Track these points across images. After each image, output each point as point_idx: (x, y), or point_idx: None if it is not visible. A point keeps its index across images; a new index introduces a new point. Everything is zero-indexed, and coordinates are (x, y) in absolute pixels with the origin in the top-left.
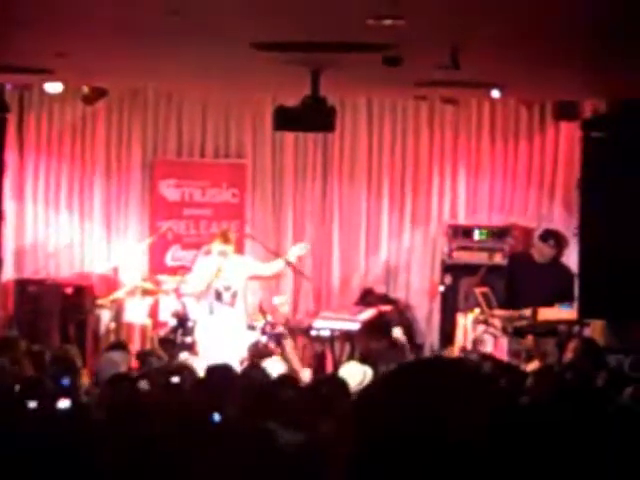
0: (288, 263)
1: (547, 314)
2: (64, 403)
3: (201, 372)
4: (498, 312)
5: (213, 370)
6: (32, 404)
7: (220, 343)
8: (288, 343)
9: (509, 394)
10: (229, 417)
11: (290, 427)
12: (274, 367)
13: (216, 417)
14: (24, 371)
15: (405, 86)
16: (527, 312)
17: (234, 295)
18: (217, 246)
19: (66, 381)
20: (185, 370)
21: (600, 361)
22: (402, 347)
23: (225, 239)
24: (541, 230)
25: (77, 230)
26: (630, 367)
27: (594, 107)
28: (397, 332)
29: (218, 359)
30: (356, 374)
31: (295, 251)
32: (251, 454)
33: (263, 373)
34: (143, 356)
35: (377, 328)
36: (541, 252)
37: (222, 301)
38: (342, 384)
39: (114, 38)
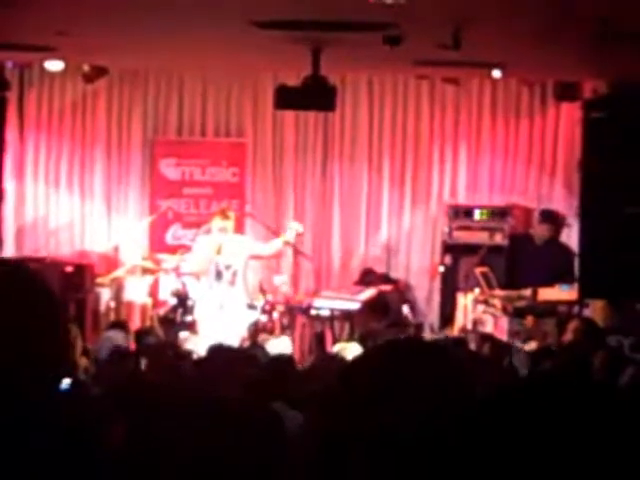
0: (286, 242)
1: (547, 294)
2: (65, 383)
3: (201, 350)
4: (498, 292)
5: (214, 349)
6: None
7: (220, 322)
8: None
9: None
10: (231, 397)
11: (293, 407)
12: (281, 346)
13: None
14: None
15: (406, 65)
16: (527, 292)
17: (234, 274)
18: (217, 223)
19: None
20: (183, 350)
21: (600, 341)
22: (408, 325)
23: (224, 216)
24: (539, 210)
25: (77, 209)
26: (630, 348)
27: (595, 88)
28: (405, 309)
29: (218, 338)
30: (352, 354)
31: (292, 231)
32: (258, 436)
33: (264, 352)
34: (140, 335)
35: (377, 308)
36: (538, 232)
37: (222, 279)
38: (343, 363)
39: (115, 16)
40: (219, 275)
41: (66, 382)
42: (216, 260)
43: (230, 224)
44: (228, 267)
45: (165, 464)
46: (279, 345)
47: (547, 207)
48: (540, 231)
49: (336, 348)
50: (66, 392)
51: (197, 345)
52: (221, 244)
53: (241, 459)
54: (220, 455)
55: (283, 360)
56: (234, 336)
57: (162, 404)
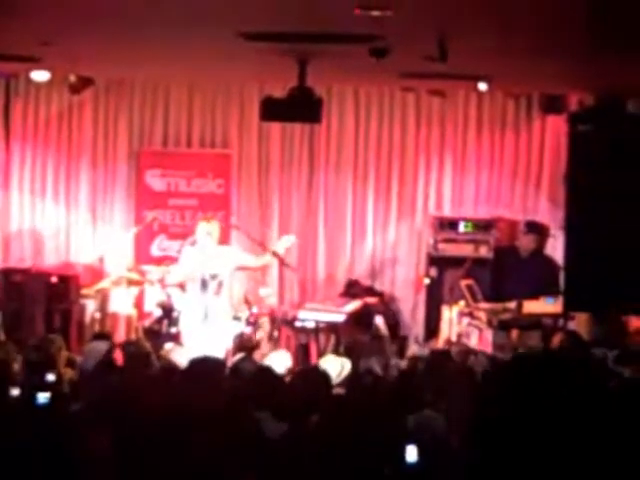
0: (274, 254)
1: (532, 307)
2: (43, 397)
3: (185, 362)
4: (483, 305)
5: (198, 361)
6: (15, 392)
7: (205, 333)
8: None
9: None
10: (216, 407)
11: (276, 418)
12: (280, 360)
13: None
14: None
15: (392, 78)
16: (512, 305)
17: (220, 284)
18: (202, 227)
19: (51, 377)
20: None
21: (584, 354)
22: (382, 338)
23: (208, 219)
24: (524, 221)
25: (63, 219)
26: (614, 361)
27: (580, 100)
28: (379, 321)
29: (203, 349)
30: (334, 366)
31: (283, 243)
32: (237, 443)
33: (252, 364)
34: (125, 346)
35: (362, 320)
36: (524, 244)
37: (208, 289)
38: (325, 376)
39: (101, 27)
40: (204, 285)
41: (43, 396)
42: (202, 270)
43: (215, 228)
44: (214, 277)
45: (150, 473)
46: (279, 359)
47: (532, 219)
48: (525, 242)
49: (323, 361)
50: (44, 406)
51: (182, 356)
52: (207, 253)
53: (225, 466)
54: (204, 463)
55: (268, 372)
56: (219, 348)
57: (147, 416)
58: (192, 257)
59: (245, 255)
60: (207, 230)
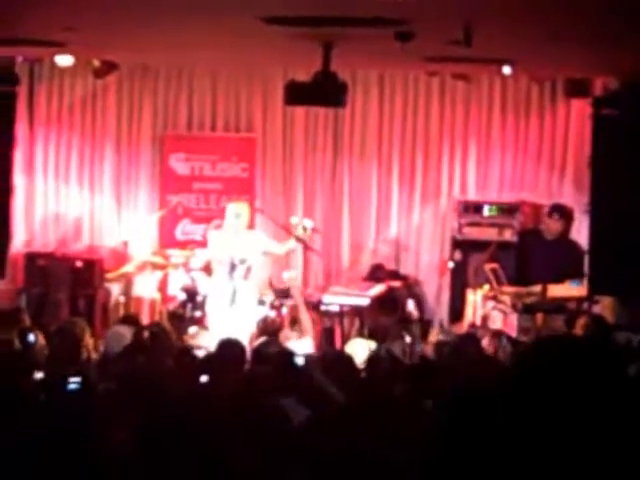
0: (298, 239)
1: (557, 291)
2: (75, 381)
3: (211, 345)
4: (507, 289)
5: (224, 344)
6: (38, 375)
7: (231, 317)
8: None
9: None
10: (240, 392)
11: (301, 403)
12: (304, 346)
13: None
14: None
15: (416, 62)
16: (536, 289)
17: (249, 269)
18: (232, 208)
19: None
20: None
21: (608, 338)
22: (412, 321)
23: (237, 201)
24: (550, 205)
25: (87, 204)
26: (639, 344)
27: (605, 84)
28: (410, 305)
29: (228, 333)
30: (362, 350)
31: (302, 228)
32: (264, 430)
33: (277, 348)
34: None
35: (386, 304)
36: (548, 227)
37: (236, 273)
38: (350, 360)
39: (124, 12)
40: (233, 268)
41: (75, 381)
42: (231, 253)
43: (244, 210)
44: (243, 261)
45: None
46: (301, 345)
47: (557, 202)
48: (552, 226)
49: (350, 345)
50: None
51: (207, 340)
52: (236, 236)
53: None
54: (228, 448)
55: (292, 357)
56: (244, 331)
57: (172, 399)
58: (220, 240)
59: (271, 242)
60: (236, 212)
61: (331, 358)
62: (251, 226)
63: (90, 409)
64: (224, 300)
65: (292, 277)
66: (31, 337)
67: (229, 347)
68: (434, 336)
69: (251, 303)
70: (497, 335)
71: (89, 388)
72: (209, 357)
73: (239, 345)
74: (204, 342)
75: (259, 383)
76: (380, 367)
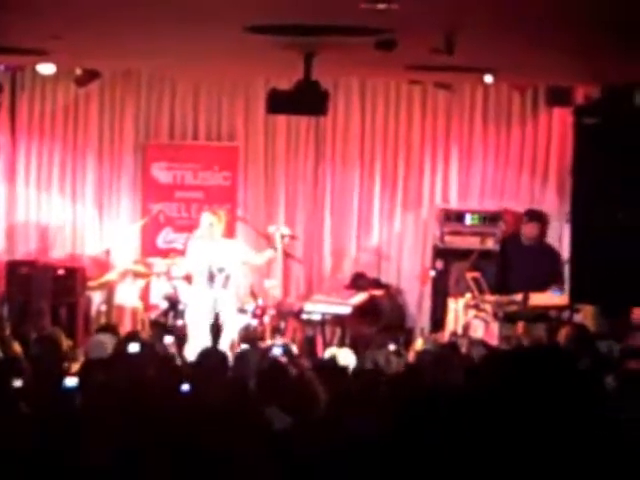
0: (276, 249)
1: (538, 299)
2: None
3: (192, 354)
4: (489, 297)
5: (205, 353)
6: (17, 383)
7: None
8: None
9: None
10: (223, 400)
11: (286, 411)
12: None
13: (185, 387)
14: (10, 351)
15: (398, 70)
16: (518, 297)
17: (227, 278)
18: (206, 218)
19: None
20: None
21: (590, 347)
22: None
23: (214, 212)
24: (525, 211)
25: (69, 212)
26: (620, 353)
27: (587, 93)
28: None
29: (208, 342)
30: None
31: (278, 236)
32: (246, 438)
33: (258, 356)
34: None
35: (368, 312)
36: (524, 233)
37: (215, 283)
38: (341, 368)
39: (107, 20)
40: (212, 278)
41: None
42: (209, 263)
43: (216, 220)
44: (221, 270)
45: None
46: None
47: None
48: (528, 231)
49: (327, 353)
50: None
51: (188, 349)
52: (213, 246)
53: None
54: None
55: (276, 365)
56: (225, 340)
57: (154, 409)
58: (198, 250)
59: (250, 252)
60: (210, 221)
61: (323, 365)
62: (232, 235)
63: (71, 419)
64: (204, 309)
65: (273, 285)
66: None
67: (210, 356)
68: (419, 345)
69: (231, 312)
70: (474, 343)
71: (70, 398)
72: (191, 366)
73: (220, 354)
74: (185, 351)
75: (242, 392)
76: (366, 377)
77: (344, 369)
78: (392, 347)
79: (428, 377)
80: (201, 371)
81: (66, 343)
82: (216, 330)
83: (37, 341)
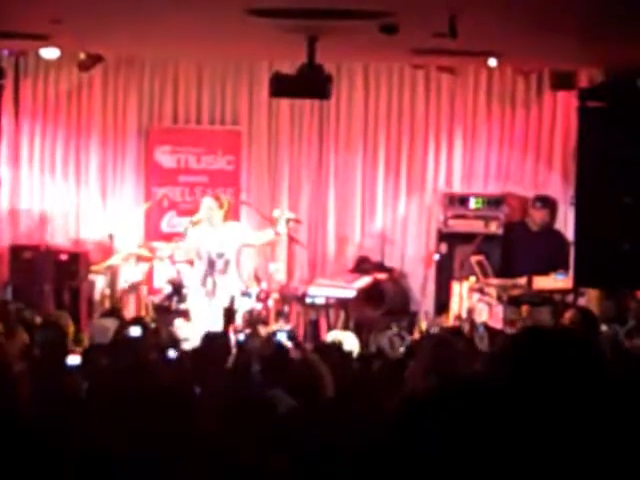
0: (277, 234)
1: (542, 283)
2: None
3: (195, 338)
4: (493, 281)
5: (208, 337)
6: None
7: (212, 311)
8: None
9: None
10: (227, 384)
11: (292, 394)
12: (347, 342)
13: (171, 353)
14: (16, 335)
15: (402, 54)
16: (522, 281)
17: (227, 263)
18: (205, 202)
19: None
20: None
21: (595, 331)
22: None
23: (216, 197)
24: (535, 196)
25: (72, 196)
26: (625, 336)
27: (591, 77)
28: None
29: (211, 326)
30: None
31: (282, 219)
32: (251, 421)
33: (261, 340)
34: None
35: (372, 296)
36: (533, 218)
37: (215, 269)
38: (345, 353)
39: (110, 4)
40: (211, 263)
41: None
42: (208, 248)
43: (217, 207)
44: (220, 255)
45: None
46: (346, 341)
47: (543, 194)
48: (538, 217)
49: (330, 336)
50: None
51: (191, 333)
52: (213, 230)
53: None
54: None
55: (281, 349)
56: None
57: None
58: (197, 236)
59: (248, 233)
60: (209, 205)
61: (327, 348)
62: (235, 218)
63: (76, 403)
64: (204, 294)
65: (277, 269)
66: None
67: (213, 340)
68: (423, 327)
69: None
70: (475, 325)
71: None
72: (194, 350)
73: (223, 338)
74: (189, 334)
75: (245, 375)
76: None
77: (348, 353)
78: (394, 330)
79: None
80: (204, 355)
81: (72, 327)
82: (229, 314)
83: (43, 326)
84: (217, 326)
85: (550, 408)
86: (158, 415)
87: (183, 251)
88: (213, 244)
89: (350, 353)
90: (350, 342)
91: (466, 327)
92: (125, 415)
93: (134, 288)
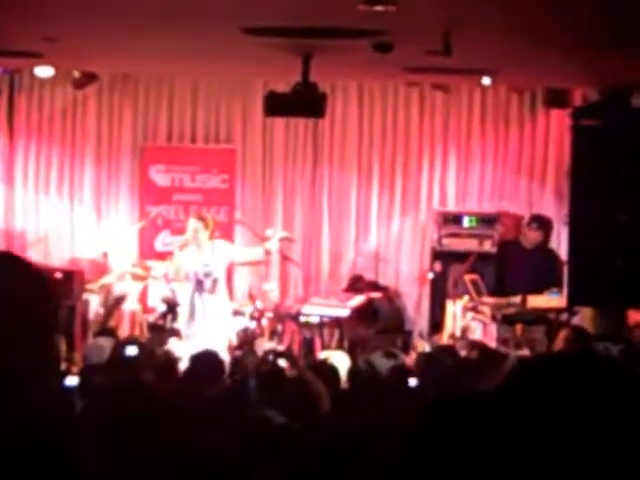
0: (268, 252)
1: (536, 302)
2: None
3: (187, 358)
4: (487, 299)
5: (201, 357)
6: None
7: (203, 330)
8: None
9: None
10: (220, 402)
11: (289, 414)
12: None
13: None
14: None
15: (396, 72)
16: (516, 299)
17: (215, 282)
18: (192, 223)
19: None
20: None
21: (587, 349)
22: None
23: (200, 217)
24: (531, 216)
25: (67, 215)
26: (618, 355)
27: (584, 95)
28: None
29: (204, 345)
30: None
31: (274, 238)
32: (246, 439)
33: (256, 359)
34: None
35: (366, 315)
36: (527, 237)
37: (203, 289)
38: (334, 371)
39: (104, 23)
40: (199, 283)
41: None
42: (195, 268)
43: (203, 227)
44: (208, 275)
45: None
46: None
47: (537, 213)
48: (532, 236)
49: (322, 355)
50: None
51: (184, 352)
52: (199, 250)
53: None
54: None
55: (276, 369)
56: (220, 343)
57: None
58: (184, 257)
59: (237, 250)
60: (194, 227)
61: (317, 366)
62: (229, 237)
63: (70, 424)
64: (194, 314)
65: (272, 288)
66: None
67: (206, 359)
68: (420, 347)
69: (223, 316)
70: (471, 345)
71: (69, 401)
72: (187, 370)
73: (216, 357)
74: (183, 354)
75: (239, 395)
76: (361, 379)
77: (335, 370)
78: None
79: (420, 378)
80: (197, 375)
81: (64, 346)
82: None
83: None
84: (213, 345)
85: (560, 422)
86: (155, 434)
87: (173, 272)
88: (200, 264)
89: (336, 370)
90: (341, 361)
91: (460, 346)
92: (122, 435)
93: (119, 301)
